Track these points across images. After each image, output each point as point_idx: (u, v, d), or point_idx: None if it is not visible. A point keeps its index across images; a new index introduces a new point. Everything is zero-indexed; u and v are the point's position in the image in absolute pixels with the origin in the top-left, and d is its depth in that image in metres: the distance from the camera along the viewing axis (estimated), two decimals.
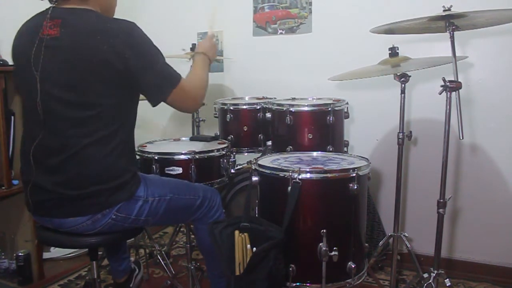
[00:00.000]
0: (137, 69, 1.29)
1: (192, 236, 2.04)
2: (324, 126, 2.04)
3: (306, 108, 2.07)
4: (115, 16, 1.45)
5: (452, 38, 1.52)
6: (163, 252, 2.33)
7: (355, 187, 1.51)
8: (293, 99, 2.36)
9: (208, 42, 1.74)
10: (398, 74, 1.80)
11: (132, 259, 2.08)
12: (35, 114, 1.29)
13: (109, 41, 1.23)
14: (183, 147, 1.97)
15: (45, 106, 1.28)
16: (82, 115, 1.27)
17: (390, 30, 1.77)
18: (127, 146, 1.39)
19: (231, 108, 2.32)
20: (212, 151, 1.93)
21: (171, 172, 1.83)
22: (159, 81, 1.34)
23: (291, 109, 2.04)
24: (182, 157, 1.85)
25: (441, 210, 1.60)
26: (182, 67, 2.69)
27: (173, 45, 2.82)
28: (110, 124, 1.30)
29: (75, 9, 1.31)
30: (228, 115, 2.32)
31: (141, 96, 1.41)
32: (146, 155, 1.89)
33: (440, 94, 1.53)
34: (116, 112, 1.32)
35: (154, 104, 1.38)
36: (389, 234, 1.97)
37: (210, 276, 1.73)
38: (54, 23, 1.28)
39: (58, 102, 1.27)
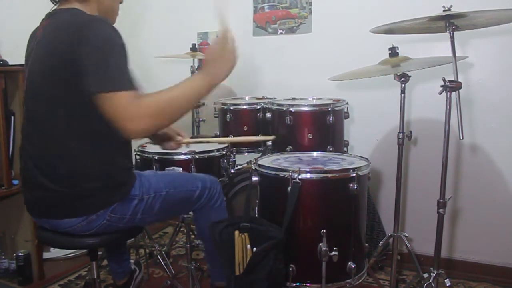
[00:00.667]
0: (82, 59, 1.17)
1: (192, 236, 2.04)
2: (324, 126, 2.04)
3: (306, 108, 2.07)
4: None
5: (452, 38, 1.52)
6: (163, 252, 2.33)
7: (355, 187, 1.51)
8: (293, 99, 2.36)
9: (217, 49, 1.30)
10: (398, 74, 1.80)
11: (133, 259, 2.08)
12: (24, 112, 1.36)
13: (67, 33, 1.22)
14: (183, 147, 1.97)
15: (29, 102, 1.34)
16: (58, 108, 1.26)
17: (390, 30, 1.77)
18: (117, 144, 1.34)
19: (231, 108, 2.32)
20: (212, 151, 1.93)
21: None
22: (99, 74, 1.16)
23: (291, 109, 2.04)
24: (182, 157, 1.85)
25: (441, 210, 1.60)
26: (182, 67, 2.72)
27: (173, 45, 2.83)
28: (88, 119, 1.25)
29: (64, 9, 1.32)
30: (228, 115, 2.32)
31: None
32: (146, 155, 1.89)
33: (440, 94, 1.53)
34: (90, 106, 1.21)
35: (92, 91, 1.17)
36: (389, 234, 1.97)
37: (211, 267, 1.72)
38: (43, 24, 1.32)
39: (38, 96, 1.30)
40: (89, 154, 1.29)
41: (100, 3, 1.37)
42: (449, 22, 1.52)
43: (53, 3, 1.36)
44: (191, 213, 1.81)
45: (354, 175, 1.53)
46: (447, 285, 1.62)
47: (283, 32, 2.73)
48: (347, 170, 1.55)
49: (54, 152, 1.29)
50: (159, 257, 2.27)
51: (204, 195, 1.57)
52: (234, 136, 2.31)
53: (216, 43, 1.30)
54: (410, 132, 1.91)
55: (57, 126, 1.28)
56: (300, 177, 1.50)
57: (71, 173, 1.29)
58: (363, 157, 1.75)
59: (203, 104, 2.54)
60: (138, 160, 1.94)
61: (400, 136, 1.89)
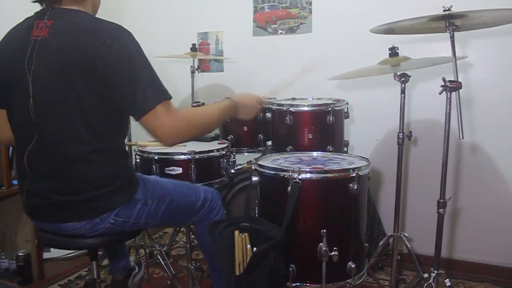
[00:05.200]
0: (119, 77, 1.21)
1: (192, 236, 2.04)
2: (324, 126, 2.04)
3: (306, 108, 2.07)
4: (106, 17, 1.41)
5: (452, 38, 1.52)
6: (163, 252, 2.33)
7: (355, 187, 1.51)
8: (293, 99, 2.36)
9: (251, 100, 1.58)
10: (398, 74, 1.80)
11: (133, 258, 2.08)
12: (27, 118, 1.26)
13: (94, 43, 1.19)
14: (183, 147, 1.97)
15: (37, 109, 1.25)
16: (71, 117, 1.24)
17: (390, 30, 1.76)
18: (120, 149, 1.37)
19: None
20: (212, 151, 1.92)
21: (171, 172, 1.83)
22: (142, 92, 1.21)
23: (291, 109, 2.04)
24: (182, 157, 1.85)
25: (441, 210, 1.59)
26: (182, 67, 2.72)
27: (173, 45, 2.83)
28: (99, 127, 1.26)
29: (67, 9, 1.28)
30: None
31: None
32: (146, 155, 1.89)
33: (440, 94, 1.52)
34: (104, 114, 1.26)
35: (137, 116, 1.23)
36: (389, 234, 1.97)
37: (212, 276, 1.73)
38: (44, 25, 1.25)
39: (49, 104, 1.24)
40: (96, 164, 1.28)
41: (94, 2, 1.37)
42: (449, 22, 1.52)
43: (41, 4, 1.30)
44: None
45: (354, 175, 1.53)
46: (447, 285, 1.62)
47: (283, 32, 2.73)
48: (347, 170, 1.55)
49: (59, 161, 1.27)
50: (159, 257, 2.28)
51: (205, 206, 1.58)
52: (234, 136, 2.31)
53: (253, 97, 1.60)
54: (410, 132, 1.91)
55: (63, 134, 1.25)
56: (300, 177, 1.50)
57: (75, 182, 1.28)
58: (363, 157, 1.75)
59: (203, 104, 2.53)
60: (138, 160, 1.94)
61: (400, 136, 1.89)
